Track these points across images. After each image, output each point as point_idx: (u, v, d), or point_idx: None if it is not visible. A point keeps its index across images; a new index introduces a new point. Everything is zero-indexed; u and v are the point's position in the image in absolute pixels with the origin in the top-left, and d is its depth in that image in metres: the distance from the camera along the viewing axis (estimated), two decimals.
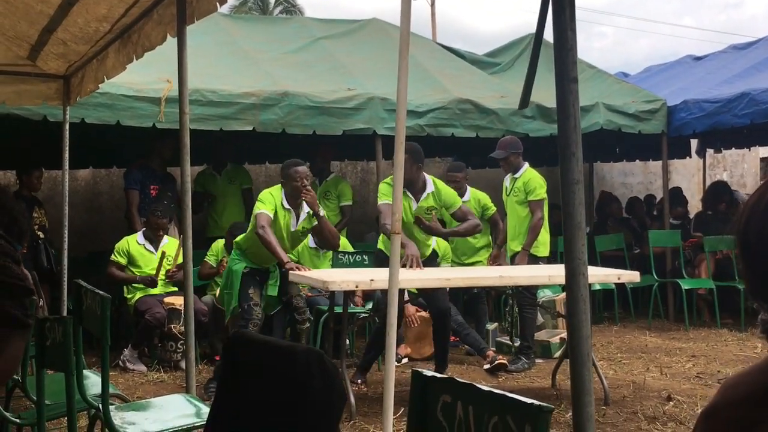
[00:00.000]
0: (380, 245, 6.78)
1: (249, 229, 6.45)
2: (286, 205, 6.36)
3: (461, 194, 8.09)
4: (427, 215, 6.54)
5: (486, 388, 1.71)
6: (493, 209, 8.05)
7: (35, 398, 3.81)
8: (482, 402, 1.69)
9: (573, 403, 2.17)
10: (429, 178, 6.63)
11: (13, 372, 1.06)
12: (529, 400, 1.57)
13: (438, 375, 1.85)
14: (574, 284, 2.15)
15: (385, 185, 6.47)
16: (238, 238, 6.62)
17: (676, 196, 10.96)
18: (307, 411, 1.81)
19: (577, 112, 2.07)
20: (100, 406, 3.52)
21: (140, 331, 7.32)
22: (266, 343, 2.09)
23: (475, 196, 8.14)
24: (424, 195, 6.55)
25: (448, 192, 6.73)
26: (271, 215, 6.25)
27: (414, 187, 6.51)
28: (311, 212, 6.42)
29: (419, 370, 1.90)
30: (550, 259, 8.07)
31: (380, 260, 6.69)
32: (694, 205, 11.85)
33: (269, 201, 6.30)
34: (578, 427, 2.12)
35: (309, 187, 6.33)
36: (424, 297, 6.90)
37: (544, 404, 1.54)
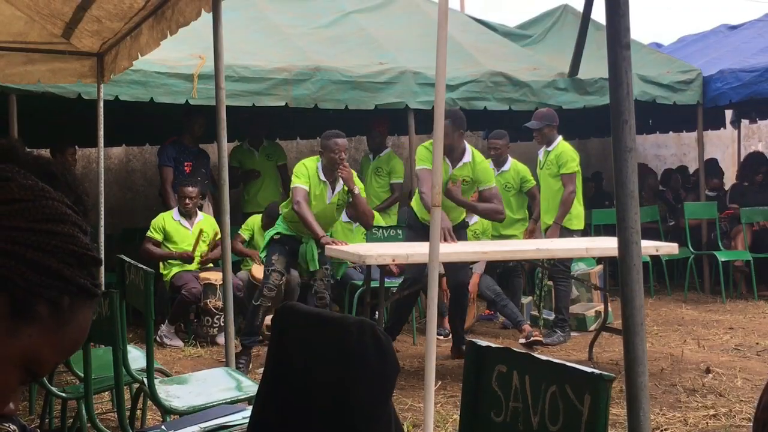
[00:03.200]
0: (413, 203, 6.72)
1: (288, 201, 6.47)
2: (323, 177, 6.32)
3: (501, 163, 8.10)
4: (458, 183, 6.51)
5: (544, 358, 1.69)
6: (532, 182, 8.04)
7: (79, 372, 3.84)
8: (540, 371, 1.67)
9: (626, 373, 2.16)
10: (469, 148, 6.54)
11: (82, 342, 1.06)
12: (589, 369, 1.55)
13: (493, 345, 1.83)
14: (627, 254, 2.12)
15: (423, 149, 6.36)
16: (282, 204, 6.65)
17: (712, 167, 10.84)
18: (360, 383, 1.79)
19: (629, 79, 2.03)
20: (145, 380, 3.55)
21: (176, 307, 7.37)
22: (317, 315, 2.08)
23: (515, 168, 8.13)
24: (461, 163, 6.46)
25: (486, 168, 6.65)
26: (307, 188, 6.23)
27: (453, 153, 6.40)
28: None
29: (473, 340, 1.88)
30: (585, 233, 8.01)
31: (410, 226, 6.68)
32: (728, 177, 11.71)
33: (303, 174, 6.28)
34: (631, 396, 2.11)
35: (346, 163, 6.27)
36: (444, 267, 6.37)
37: (605, 373, 1.52)
